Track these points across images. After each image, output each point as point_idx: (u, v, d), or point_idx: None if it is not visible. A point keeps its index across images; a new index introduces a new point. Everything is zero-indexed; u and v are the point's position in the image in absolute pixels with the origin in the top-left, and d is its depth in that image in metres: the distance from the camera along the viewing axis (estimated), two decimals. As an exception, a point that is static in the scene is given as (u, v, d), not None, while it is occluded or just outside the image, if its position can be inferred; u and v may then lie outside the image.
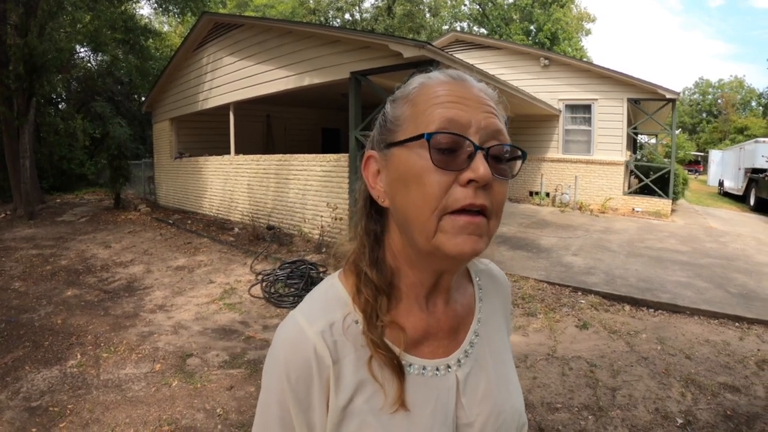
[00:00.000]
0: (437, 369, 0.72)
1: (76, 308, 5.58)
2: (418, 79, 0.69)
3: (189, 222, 11.27)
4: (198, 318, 5.32)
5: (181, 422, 3.27)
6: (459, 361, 0.74)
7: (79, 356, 4.28)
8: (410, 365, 0.71)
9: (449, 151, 0.62)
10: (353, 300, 0.71)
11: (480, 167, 0.60)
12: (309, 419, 0.67)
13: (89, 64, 21.25)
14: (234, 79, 10.53)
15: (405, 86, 0.69)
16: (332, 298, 0.72)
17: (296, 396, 0.67)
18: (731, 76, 64.50)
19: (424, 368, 0.71)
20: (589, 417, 3.37)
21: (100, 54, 19.60)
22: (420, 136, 0.62)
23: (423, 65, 6.80)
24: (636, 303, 5.62)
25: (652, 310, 5.47)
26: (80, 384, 3.79)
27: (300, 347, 0.67)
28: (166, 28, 28.19)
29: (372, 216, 0.73)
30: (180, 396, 3.63)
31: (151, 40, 18.77)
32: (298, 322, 0.70)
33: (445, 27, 33.07)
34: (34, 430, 3.14)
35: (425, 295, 0.73)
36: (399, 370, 0.68)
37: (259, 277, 6.49)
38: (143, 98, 17.55)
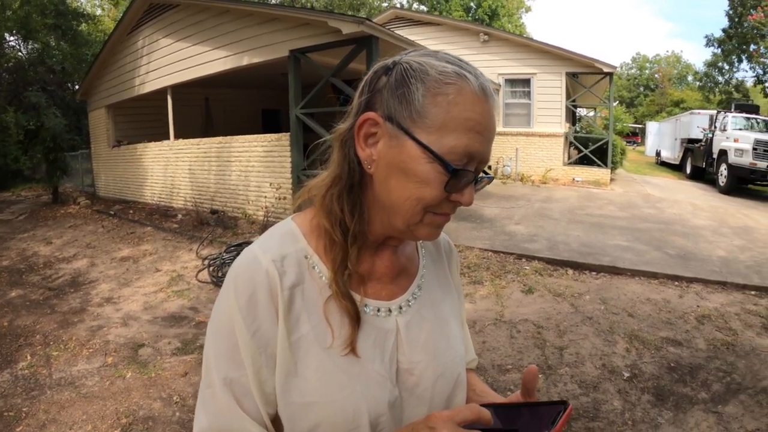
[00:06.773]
0: (378, 310, 0.78)
1: (22, 308, 5.38)
2: (456, 77, 0.68)
3: (131, 212, 10.90)
4: (147, 308, 5.23)
5: (138, 413, 3.25)
6: (401, 308, 0.80)
7: (29, 357, 4.15)
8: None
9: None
10: (306, 237, 0.77)
11: (470, 197, 0.72)
12: (259, 334, 0.70)
13: (20, 54, 20.05)
14: (171, 61, 10.14)
15: (442, 75, 0.68)
16: (286, 234, 0.77)
17: (242, 312, 0.70)
18: (668, 51, 66.85)
19: (366, 306, 0.76)
20: (539, 375, 3.53)
21: (30, 42, 18.56)
22: (443, 163, 0.67)
23: (362, 41, 6.82)
24: (578, 267, 5.86)
25: (594, 273, 5.73)
26: (33, 385, 3.69)
27: (252, 269, 0.71)
28: (99, 11, 26.82)
29: (351, 172, 0.74)
30: (135, 387, 3.59)
31: (84, 24, 17.84)
32: (253, 250, 0.74)
33: (385, 4, 32.70)
34: (-13, 436, 3.05)
35: (378, 243, 0.80)
36: (356, 319, 0.73)
37: (206, 262, 6.39)
38: (77, 86, 16.69)
